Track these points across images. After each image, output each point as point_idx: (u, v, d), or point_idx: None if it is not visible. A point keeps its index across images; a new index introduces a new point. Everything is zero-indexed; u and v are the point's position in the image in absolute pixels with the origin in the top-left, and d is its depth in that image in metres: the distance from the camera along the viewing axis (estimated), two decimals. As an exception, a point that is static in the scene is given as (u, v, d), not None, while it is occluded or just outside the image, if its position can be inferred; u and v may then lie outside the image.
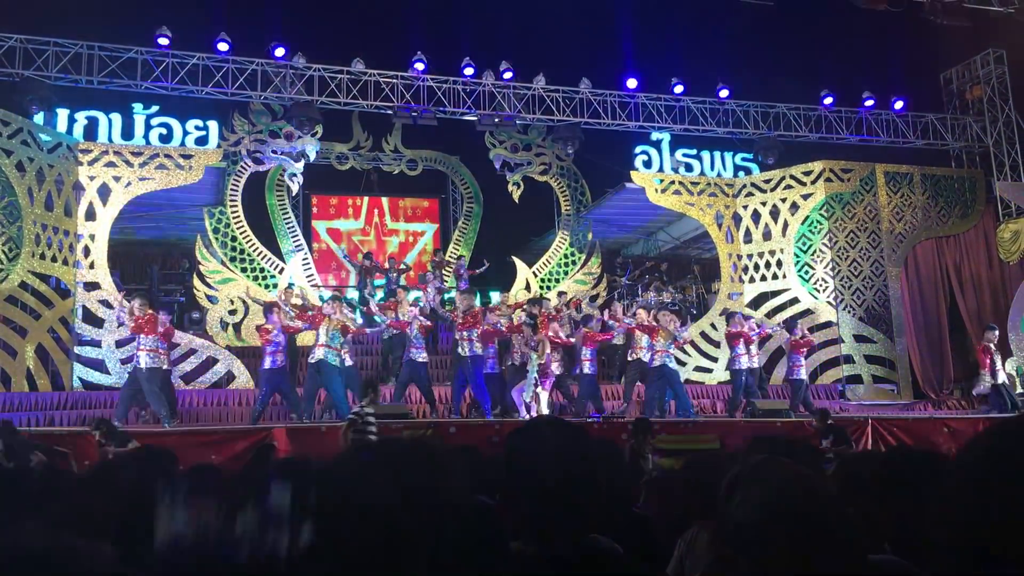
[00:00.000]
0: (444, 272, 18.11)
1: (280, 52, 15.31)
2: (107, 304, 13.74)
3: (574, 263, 18.50)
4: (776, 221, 16.96)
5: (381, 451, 1.74)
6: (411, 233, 21.04)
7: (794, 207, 16.84)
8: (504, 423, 11.07)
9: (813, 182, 16.76)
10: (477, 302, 13.47)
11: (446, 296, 16.76)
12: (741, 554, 1.70)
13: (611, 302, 15.89)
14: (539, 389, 12.25)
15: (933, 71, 18.78)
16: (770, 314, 16.38)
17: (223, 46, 15.01)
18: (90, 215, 14.23)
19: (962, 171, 17.98)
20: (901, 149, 18.06)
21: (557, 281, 18.13)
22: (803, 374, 13.94)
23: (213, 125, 15.48)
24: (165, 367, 11.83)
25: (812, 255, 16.64)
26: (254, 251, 16.69)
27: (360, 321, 14.51)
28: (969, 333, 16.86)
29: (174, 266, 17.57)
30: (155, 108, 15.16)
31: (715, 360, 15.91)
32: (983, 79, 18.00)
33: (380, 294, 16.59)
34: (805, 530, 1.62)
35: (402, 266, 18.40)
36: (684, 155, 17.37)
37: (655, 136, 17.26)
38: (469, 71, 16.21)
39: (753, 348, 13.78)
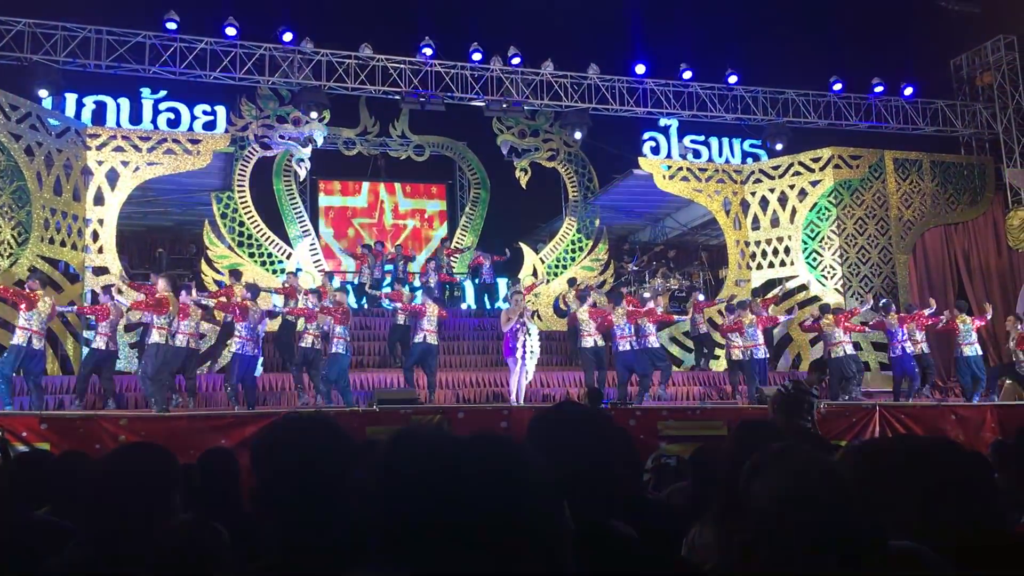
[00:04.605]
0: (451, 260, 18.09)
1: (288, 37, 15.30)
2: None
3: (581, 249, 18.46)
4: (784, 208, 16.93)
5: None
6: (419, 218, 21.05)
7: (802, 194, 16.80)
8: (512, 409, 11.06)
9: (822, 169, 16.71)
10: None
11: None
12: (762, 540, 1.71)
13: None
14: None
15: (943, 57, 18.63)
16: (778, 301, 16.34)
17: (231, 31, 15.00)
18: (98, 200, 14.29)
19: (971, 158, 17.90)
20: (910, 136, 17.98)
21: (564, 267, 18.10)
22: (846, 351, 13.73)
23: (221, 110, 15.45)
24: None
25: (820, 242, 16.59)
26: (262, 236, 16.71)
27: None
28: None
29: (182, 251, 17.60)
30: (163, 93, 15.13)
31: (722, 347, 15.86)
32: (993, 65, 17.88)
33: (388, 279, 16.58)
34: (826, 515, 1.63)
35: (408, 252, 18.35)
36: (692, 141, 17.31)
37: (663, 122, 17.21)
38: (477, 56, 16.18)
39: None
